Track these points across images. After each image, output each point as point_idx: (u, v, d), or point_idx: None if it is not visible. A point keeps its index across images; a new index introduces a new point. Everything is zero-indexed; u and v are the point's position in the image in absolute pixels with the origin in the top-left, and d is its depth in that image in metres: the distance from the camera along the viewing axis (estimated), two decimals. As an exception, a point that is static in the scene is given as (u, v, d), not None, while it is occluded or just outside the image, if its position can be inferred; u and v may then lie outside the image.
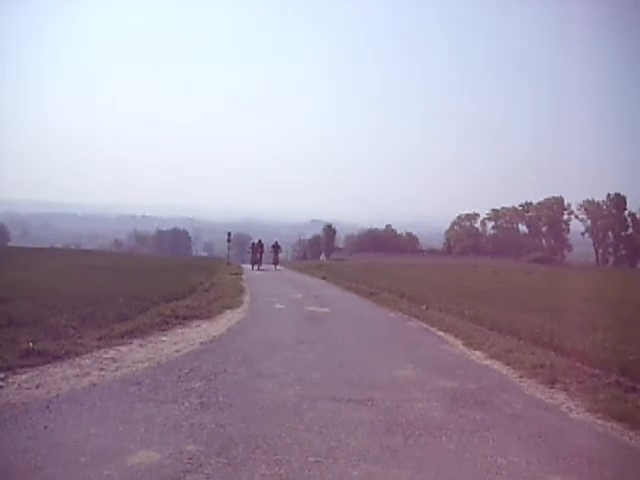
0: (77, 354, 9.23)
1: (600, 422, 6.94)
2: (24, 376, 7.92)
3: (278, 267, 43.89)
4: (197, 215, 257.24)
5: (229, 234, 47.35)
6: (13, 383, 7.59)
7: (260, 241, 44.18)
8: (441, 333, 13.25)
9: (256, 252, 42.51)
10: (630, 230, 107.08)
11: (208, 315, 14.39)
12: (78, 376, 8.08)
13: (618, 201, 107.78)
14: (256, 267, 41.21)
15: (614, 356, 9.60)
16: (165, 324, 12.54)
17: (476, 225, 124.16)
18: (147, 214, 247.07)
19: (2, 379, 7.70)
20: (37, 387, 7.47)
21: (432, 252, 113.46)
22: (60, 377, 7.98)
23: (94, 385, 7.70)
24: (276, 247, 44.96)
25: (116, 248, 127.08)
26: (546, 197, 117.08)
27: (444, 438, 6.10)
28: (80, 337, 10.26)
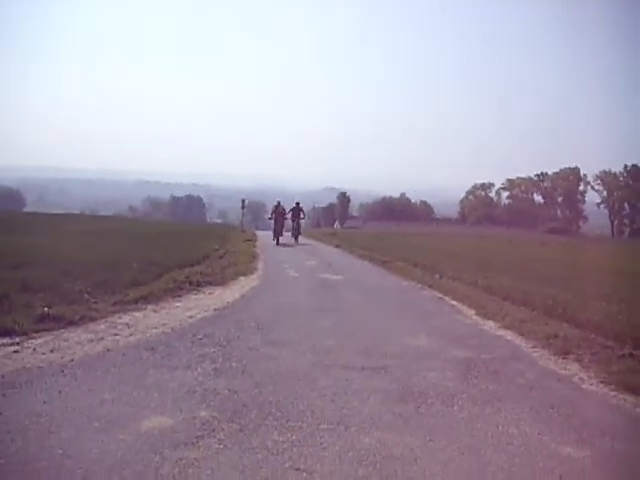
0: (91, 319, 9.29)
1: (613, 394, 6.91)
2: (39, 341, 7.98)
3: (299, 239, 33.74)
4: (211, 182, 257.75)
5: (243, 201, 47.21)
6: (28, 348, 7.64)
7: (279, 204, 33.79)
8: (454, 302, 13.23)
9: (278, 219, 32.66)
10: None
11: (222, 281, 14.42)
12: (92, 341, 8.13)
13: (635, 172, 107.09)
14: (277, 237, 31.46)
15: (628, 328, 9.55)
16: (179, 290, 12.58)
17: (491, 195, 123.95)
18: (161, 180, 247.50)
19: (17, 343, 7.76)
20: (52, 352, 7.53)
21: (446, 221, 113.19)
22: (75, 342, 8.04)
23: (108, 350, 7.74)
24: (297, 211, 33.71)
25: (131, 214, 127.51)
26: (562, 167, 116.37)
27: (456, 407, 6.10)
28: (94, 302, 10.31)
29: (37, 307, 9.16)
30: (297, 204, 34.51)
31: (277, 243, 30.91)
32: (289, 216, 34.04)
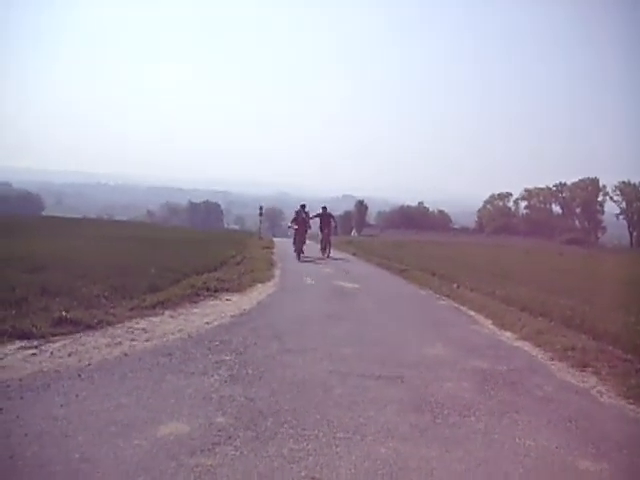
0: (109, 324, 9.32)
1: (631, 407, 6.87)
2: (57, 344, 8.01)
3: (331, 252, 27.74)
4: (229, 188, 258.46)
5: (261, 208, 47.35)
6: (46, 351, 7.67)
7: (303, 208, 27.35)
8: (472, 313, 13.19)
9: (300, 228, 26.36)
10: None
11: (239, 288, 14.43)
12: (110, 345, 8.16)
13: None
14: (299, 251, 25.69)
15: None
16: (196, 296, 12.61)
17: (509, 204, 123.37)
18: (179, 186, 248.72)
19: (35, 347, 7.79)
20: (69, 355, 7.56)
21: (464, 230, 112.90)
22: (92, 346, 8.07)
23: (125, 355, 7.77)
24: (327, 217, 28.25)
25: (148, 219, 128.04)
26: (581, 178, 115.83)
27: (473, 418, 6.08)
28: (112, 307, 10.36)
29: (55, 311, 9.19)
30: (324, 209, 28.69)
31: (299, 258, 25.12)
32: (314, 223, 28.34)
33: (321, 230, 28.23)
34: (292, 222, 27.39)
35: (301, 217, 26.80)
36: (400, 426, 5.72)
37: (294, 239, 26.80)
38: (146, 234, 31.98)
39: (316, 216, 28.25)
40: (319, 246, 28.50)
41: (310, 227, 27.45)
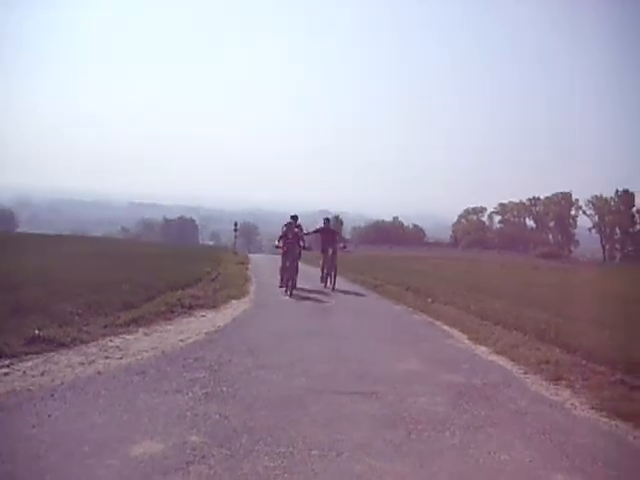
0: (83, 342, 9.25)
1: (604, 420, 6.91)
2: (29, 363, 7.93)
3: (336, 282, 20.38)
4: (204, 204, 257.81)
5: (236, 224, 47.56)
6: (18, 370, 7.59)
7: (295, 221, 20.23)
8: (446, 327, 13.22)
9: (291, 248, 18.85)
10: (638, 226, 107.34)
11: (214, 304, 14.39)
12: (83, 364, 8.09)
13: (626, 197, 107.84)
14: (290, 282, 17.95)
15: (620, 354, 9.59)
16: (171, 313, 12.56)
17: (483, 219, 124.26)
18: (154, 202, 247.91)
19: (7, 366, 7.71)
20: (42, 374, 7.48)
21: (438, 245, 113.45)
22: (65, 365, 8.00)
23: (99, 373, 7.71)
24: (330, 233, 21.40)
25: (123, 235, 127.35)
26: (554, 192, 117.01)
27: (447, 433, 6.09)
28: (86, 325, 10.28)
29: (28, 329, 9.10)
30: (327, 221, 21.85)
31: (289, 292, 17.70)
32: (311, 240, 22.24)
33: (323, 251, 20.92)
34: (279, 240, 19.78)
35: (292, 233, 19.28)
36: (375, 442, 5.72)
37: (282, 264, 19.32)
38: (120, 250, 31.81)
39: (315, 232, 21.66)
40: (320, 274, 21.09)
41: (306, 247, 20.15)
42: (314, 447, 5.48)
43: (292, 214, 21.03)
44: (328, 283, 20.33)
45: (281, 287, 18.86)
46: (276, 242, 20.42)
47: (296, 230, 19.76)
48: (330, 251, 20.50)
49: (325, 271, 20.72)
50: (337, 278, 20.68)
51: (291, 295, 17.43)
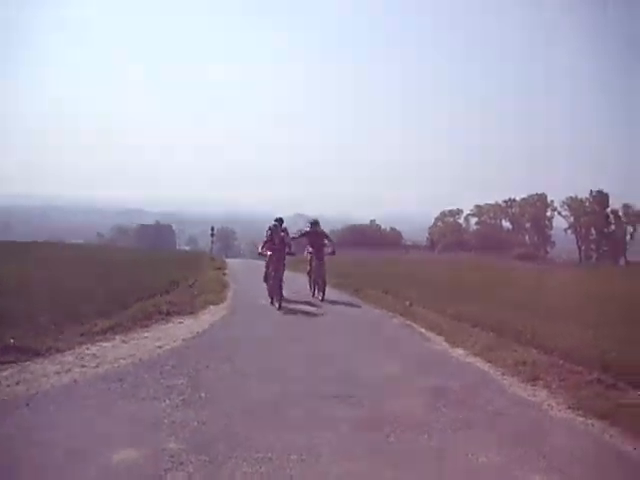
0: (58, 350, 9.17)
1: (581, 420, 6.97)
2: (4, 373, 7.86)
3: (325, 292, 18.42)
4: (181, 209, 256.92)
5: (212, 229, 47.38)
6: (-7, 380, 7.54)
7: (280, 225, 17.83)
8: (424, 330, 13.25)
9: (275, 254, 17.03)
10: (612, 227, 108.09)
11: (191, 311, 14.31)
12: (59, 373, 8.03)
13: (601, 198, 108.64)
14: (277, 295, 16.25)
15: (596, 353, 9.66)
16: (147, 320, 12.45)
17: (459, 221, 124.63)
18: (130, 207, 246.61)
19: (-18, 376, 7.64)
20: (17, 384, 7.42)
21: (416, 247, 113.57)
22: (41, 374, 7.93)
23: (75, 382, 7.66)
24: (318, 236, 19.43)
25: (99, 241, 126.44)
26: (530, 194, 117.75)
27: (426, 436, 6.11)
28: (62, 333, 10.18)
29: (2, 338, 9.01)
30: (314, 224, 19.67)
31: (276, 303, 16.09)
32: (298, 246, 20.28)
33: (310, 254, 19.24)
34: (263, 245, 17.60)
35: (278, 237, 17.30)
36: (353, 445, 5.74)
37: (266, 273, 17.60)
38: (97, 257, 31.52)
39: (302, 235, 20.24)
40: (308, 283, 19.55)
41: (292, 252, 18.00)
42: (292, 452, 5.48)
43: (277, 217, 18.69)
44: (316, 292, 18.69)
45: (272, 302, 16.61)
46: (259, 248, 17.94)
47: (282, 234, 17.56)
48: (318, 256, 18.80)
49: (313, 278, 19.07)
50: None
51: (280, 308, 15.60)
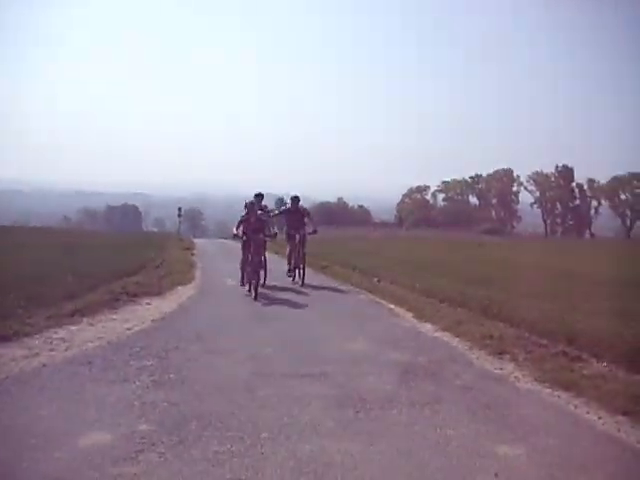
0: (26, 334, 9.07)
1: (547, 391, 7.09)
2: (-29, 358, 7.80)
3: (304, 275, 17.20)
4: (148, 190, 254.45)
5: (179, 209, 47.23)
6: (-40, 366, 7.48)
7: (258, 202, 16.26)
8: (392, 306, 13.34)
9: (253, 235, 15.01)
10: (577, 201, 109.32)
11: (159, 292, 14.24)
12: (27, 357, 7.96)
13: (566, 172, 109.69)
14: (255, 281, 14.25)
15: (561, 326, 9.84)
16: (115, 302, 12.35)
17: (427, 197, 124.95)
18: (96, 190, 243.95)
19: (-53, 361, 7.57)
20: (-16, 369, 7.37)
21: (384, 225, 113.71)
22: (9, 358, 7.85)
23: (44, 366, 7.61)
24: (298, 214, 17.67)
25: (65, 224, 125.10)
26: (496, 169, 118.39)
27: (395, 411, 6.18)
28: (29, 317, 10.06)
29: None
30: (295, 200, 17.93)
31: (252, 293, 14.18)
32: (278, 224, 19.85)
33: (289, 236, 17.56)
34: (238, 225, 15.51)
35: (254, 216, 15.32)
36: (324, 423, 5.78)
37: (243, 257, 16.01)
38: (63, 240, 31.18)
39: (281, 213, 18.48)
40: (287, 265, 17.89)
41: (272, 234, 15.89)
42: (263, 430, 5.52)
43: (256, 192, 16.75)
44: (297, 277, 17.27)
45: (242, 285, 15.59)
46: (234, 229, 15.61)
47: (259, 213, 15.59)
48: (297, 237, 17.17)
49: (293, 262, 17.42)
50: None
51: (256, 298, 13.75)
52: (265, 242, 15.53)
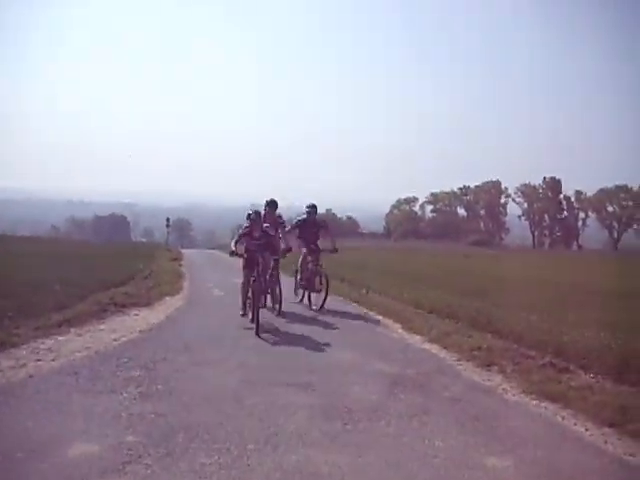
0: (13, 345, 9.01)
1: (534, 403, 7.14)
2: (-43, 369, 7.75)
3: (326, 298, 13.96)
4: (136, 200, 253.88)
5: (168, 219, 47.09)
6: (-55, 376, 7.43)
7: (275, 207, 14.01)
8: (380, 317, 13.34)
9: (258, 250, 12.04)
10: (565, 213, 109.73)
11: (147, 302, 14.16)
12: (14, 368, 7.91)
13: (554, 184, 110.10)
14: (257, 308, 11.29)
15: (549, 337, 9.88)
16: (103, 312, 12.29)
17: (415, 209, 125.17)
18: (84, 199, 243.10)
19: None
20: (-29, 380, 7.33)
21: (372, 236, 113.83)
22: (-5, 369, 7.82)
23: (31, 376, 7.55)
24: (315, 227, 14.68)
25: (53, 234, 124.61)
26: (484, 180, 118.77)
27: (382, 422, 6.19)
28: (16, 327, 10.01)
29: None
30: (312, 209, 14.74)
31: (255, 321, 11.10)
32: (294, 239, 14.62)
33: (307, 251, 14.57)
34: (238, 239, 12.41)
35: (259, 230, 12.26)
36: (311, 433, 5.78)
37: (244, 280, 12.55)
38: (51, 249, 31.06)
39: (297, 226, 14.75)
40: (296, 283, 15.47)
41: (286, 250, 13.65)
42: (250, 441, 5.51)
43: (268, 199, 14.20)
44: (306, 298, 14.76)
45: (244, 315, 12.45)
46: (232, 245, 12.29)
47: (266, 226, 12.79)
48: (314, 249, 14.53)
49: (306, 278, 14.61)
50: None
51: (258, 333, 10.83)
52: (277, 262, 13.46)
